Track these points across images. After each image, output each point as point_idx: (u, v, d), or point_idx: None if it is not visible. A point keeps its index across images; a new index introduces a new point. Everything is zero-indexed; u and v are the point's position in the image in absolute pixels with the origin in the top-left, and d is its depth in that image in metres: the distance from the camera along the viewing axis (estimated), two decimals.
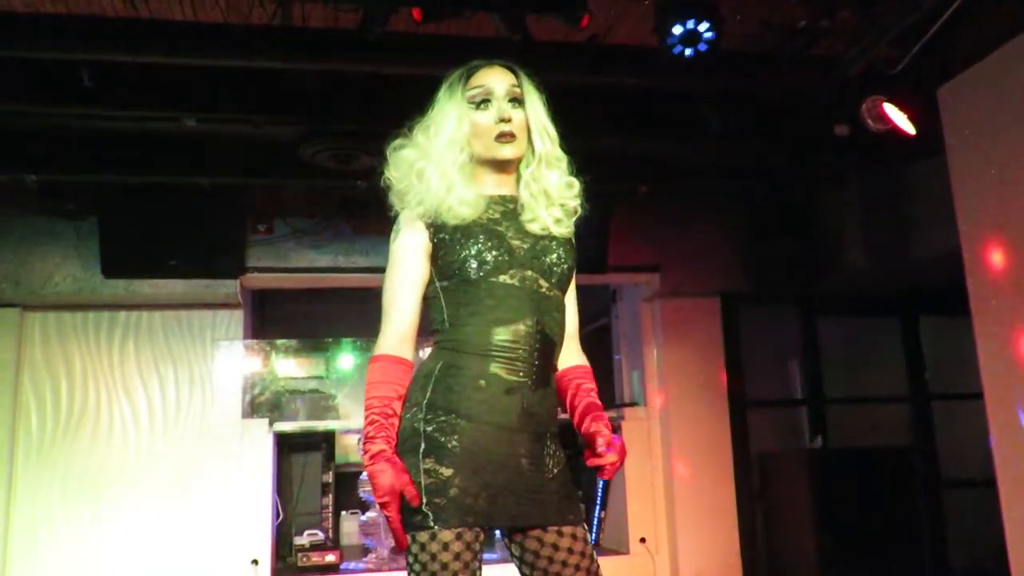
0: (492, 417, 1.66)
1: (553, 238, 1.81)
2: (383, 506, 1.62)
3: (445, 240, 1.74)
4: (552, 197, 1.82)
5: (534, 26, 3.29)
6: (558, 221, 1.82)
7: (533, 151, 1.83)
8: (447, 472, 1.63)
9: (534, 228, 1.80)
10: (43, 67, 3.59)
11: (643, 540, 5.05)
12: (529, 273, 1.75)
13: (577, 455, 1.87)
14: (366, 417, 1.66)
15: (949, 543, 5.49)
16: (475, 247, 1.71)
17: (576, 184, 1.85)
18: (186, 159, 4.40)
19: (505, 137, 1.78)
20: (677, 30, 3.18)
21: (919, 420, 5.73)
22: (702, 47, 3.21)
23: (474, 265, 1.71)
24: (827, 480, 4.98)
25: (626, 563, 4.97)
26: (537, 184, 1.82)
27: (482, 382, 1.67)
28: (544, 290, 1.76)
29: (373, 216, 4.75)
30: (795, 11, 3.51)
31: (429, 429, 1.66)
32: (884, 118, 3.82)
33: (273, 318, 6.35)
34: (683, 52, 3.22)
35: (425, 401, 1.68)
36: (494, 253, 1.72)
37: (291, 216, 5.05)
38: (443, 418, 1.66)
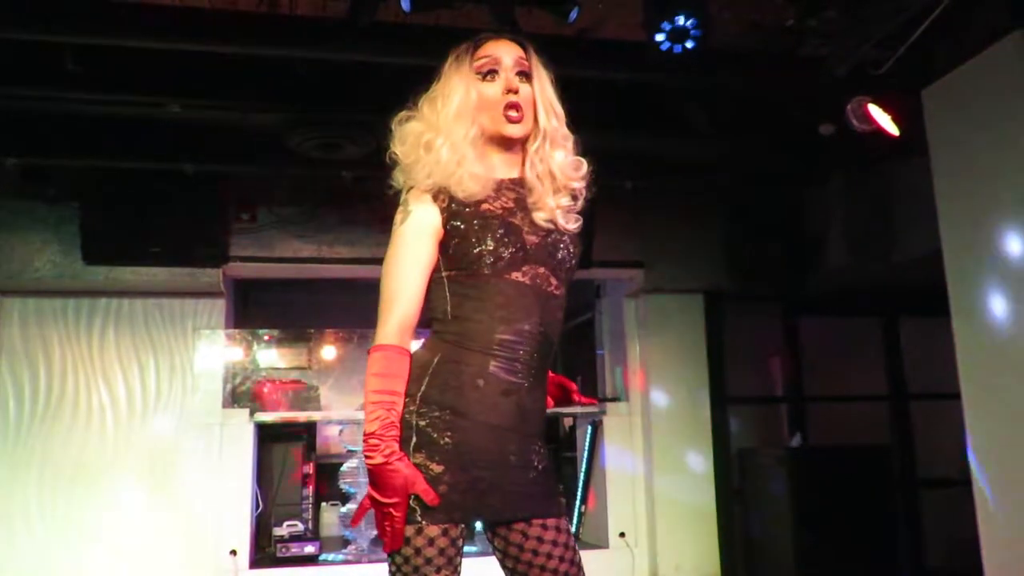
0: (487, 417, 1.62)
1: (562, 232, 1.75)
2: (392, 506, 1.55)
3: (460, 228, 1.66)
4: (557, 178, 1.76)
5: (523, 19, 3.29)
6: (566, 214, 1.76)
7: (539, 128, 1.76)
8: (437, 468, 1.59)
9: (541, 219, 1.73)
10: (26, 49, 3.55)
11: (623, 535, 5.07)
12: (541, 270, 1.69)
13: (556, 450, 1.90)
14: (371, 411, 1.58)
15: (925, 541, 5.55)
16: (491, 242, 1.64)
17: (583, 165, 1.78)
18: (170, 145, 4.37)
19: (512, 110, 1.72)
20: (665, 26, 3.19)
21: (897, 419, 5.80)
22: (690, 44, 3.22)
23: (489, 261, 1.64)
24: (806, 477, 5.02)
25: (606, 557, 4.99)
26: (543, 164, 1.75)
27: (480, 381, 1.62)
28: (552, 288, 1.71)
29: (358, 206, 4.72)
30: (782, 11, 3.53)
31: (422, 424, 1.61)
32: (869, 118, 3.85)
33: (256, 307, 6.32)
34: (671, 48, 3.23)
35: (419, 394, 1.62)
36: (511, 249, 1.65)
37: (275, 205, 5.01)
38: (436, 414, 1.61)
